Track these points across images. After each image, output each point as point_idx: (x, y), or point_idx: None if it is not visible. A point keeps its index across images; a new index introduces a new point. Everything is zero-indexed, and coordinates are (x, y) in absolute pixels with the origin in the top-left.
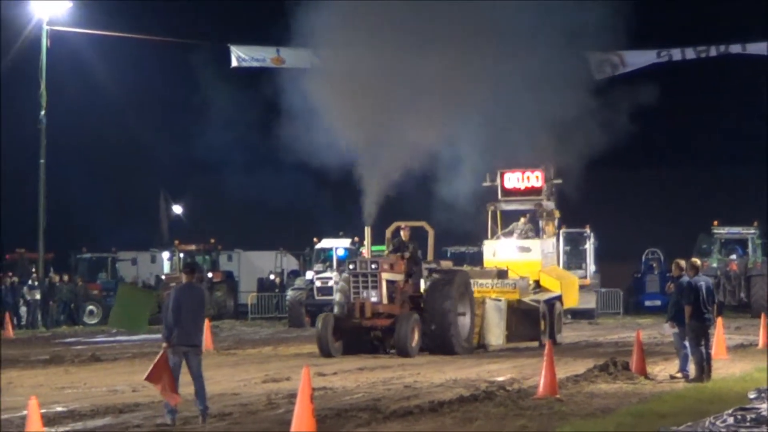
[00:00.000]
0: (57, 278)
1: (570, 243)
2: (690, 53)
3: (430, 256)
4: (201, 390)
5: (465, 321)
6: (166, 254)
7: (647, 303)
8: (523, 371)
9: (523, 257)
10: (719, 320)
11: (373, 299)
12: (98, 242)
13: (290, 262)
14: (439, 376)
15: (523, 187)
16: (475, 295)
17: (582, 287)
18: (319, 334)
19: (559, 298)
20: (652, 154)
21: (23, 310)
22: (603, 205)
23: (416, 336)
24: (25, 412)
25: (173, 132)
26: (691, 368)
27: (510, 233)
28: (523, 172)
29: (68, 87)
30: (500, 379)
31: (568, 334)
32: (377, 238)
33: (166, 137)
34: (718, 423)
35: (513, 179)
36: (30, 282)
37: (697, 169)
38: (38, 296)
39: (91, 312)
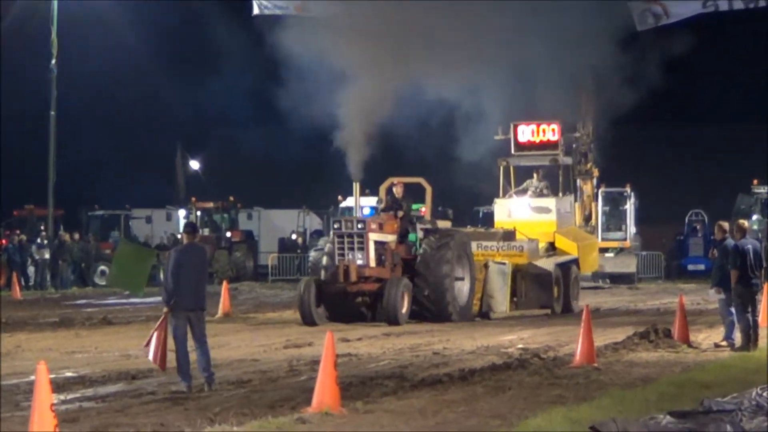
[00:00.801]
0: (67, 236)
1: (609, 203)
2: (738, 3)
3: (426, 215)
4: (204, 356)
5: (463, 286)
6: (182, 212)
7: (690, 267)
8: (559, 338)
9: (537, 217)
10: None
11: (359, 262)
12: (111, 199)
13: (313, 222)
14: (470, 343)
15: (537, 141)
16: (478, 258)
17: (621, 250)
18: (300, 299)
19: (576, 261)
20: (692, 110)
21: (31, 270)
22: (644, 164)
23: (406, 302)
24: (32, 378)
25: (191, 83)
26: (737, 336)
27: (524, 191)
28: (538, 125)
29: (80, 34)
30: (534, 346)
31: (607, 299)
32: (415, 197)
33: (184, 89)
34: (765, 394)
35: (527, 132)
36: (39, 240)
37: (741, 127)
38: (47, 255)
39: (102, 272)
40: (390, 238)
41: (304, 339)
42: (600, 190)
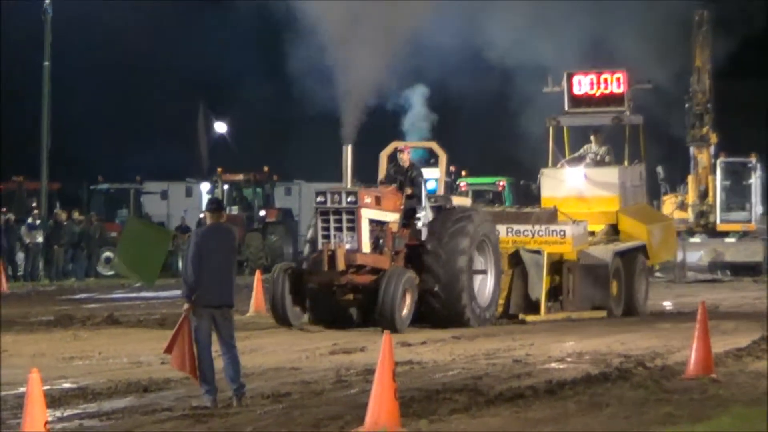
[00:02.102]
0: (64, 216)
1: (730, 176)
2: None
3: (440, 189)
4: (233, 363)
5: (486, 282)
6: (205, 186)
7: None
8: (669, 342)
9: (595, 192)
10: None
11: (349, 246)
12: (118, 170)
13: None
14: (559, 348)
15: (597, 94)
16: (506, 246)
17: (745, 234)
18: (273, 293)
19: (643, 248)
20: None
21: (21, 256)
22: None
23: (408, 301)
24: (23, 389)
25: (215, 29)
26: None
27: (580, 159)
28: (599, 74)
29: None
30: (638, 352)
31: (727, 295)
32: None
33: (207, 36)
34: None
35: (585, 83)
36: (30, 220)
37: None
38: (40, 239)
39: (107, 260)
40: (391, 217)
41: (355, 343)
42: (718, 161)
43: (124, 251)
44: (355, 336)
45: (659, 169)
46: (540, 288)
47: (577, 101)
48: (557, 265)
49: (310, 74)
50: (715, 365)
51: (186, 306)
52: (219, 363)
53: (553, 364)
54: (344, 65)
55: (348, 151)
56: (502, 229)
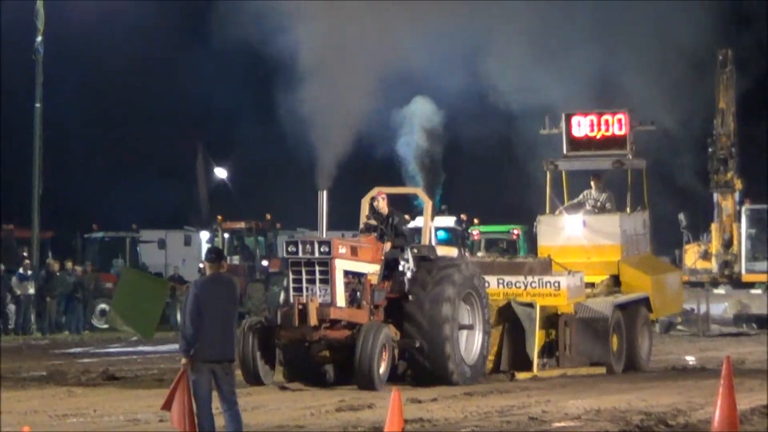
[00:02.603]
0: (57, 266)
1: (756, 224)
2: None
3: (424, 238)
4: (234, 420)
5: (472, 337)
6: (205, 234)
7: None
8: (692, 399)
9: (595, 241)
10: None
11: (322, 299)
12: (113, 217)
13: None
14: (576, 405)
15: (597, 137)
16: (496, 298)
17: None
18: (242, 351)
19: (646, 301)
20: None
21: (12, 308)
22: None
23: (386, 357)
24: None
25: (216, 69)
26: None
27: (579, 205)
28: (599, 115)
29: (72, 5)
30: (660, 409)
31: (754, 349)
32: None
33: (206, 76)
34: None
35: (585, 125)
36: (21, 271)
37: None
38: (31, 290)
39: (102, 312)
40: (369, 268)
41: (362, 400)
42: (743, 208)
43: (120, 303)
44: (362, 392)
45: (681, 217)
46: (532, 343)
47: (577, 144)
48: (553, 319)
49: (302, 119)
50: (740, 423)
51: (184, 361)
52: (219, 420)
53: (570, 422)
54: (317, 106)
55: (323, 198)
56: (492, 280)
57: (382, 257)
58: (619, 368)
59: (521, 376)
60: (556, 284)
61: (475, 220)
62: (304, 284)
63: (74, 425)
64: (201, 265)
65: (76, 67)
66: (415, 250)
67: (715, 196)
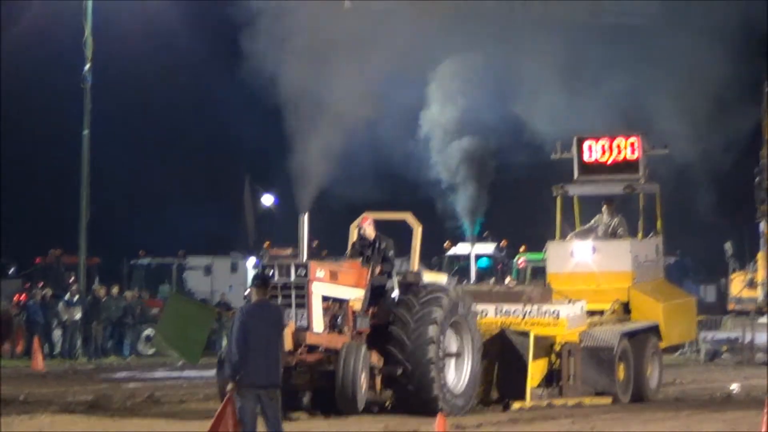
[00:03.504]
0: (103, 291)
1: None
2: None
3: (413, 264)
4: None
5: (461, 365)
6: (251, 260)
7: None
8: (736, 427)
9: (605, 267)
10: None
11: (298, 324)
12: (160, 244)
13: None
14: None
15: (608, 161)
16: (490, 328)
17: None
18: (218, 379)
19: (656, 329)
20: None
21: (58, 333)
22: None
23: (365, 380)
24: None
25: (265, 98)
26: None
27: (590, 231)
28: (611, 140)
29: (122, 31)
30: None
31: None
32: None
33: (254, 104)
34: None
35: (596, 149)
36: (67, 296)
37: None
38: (78, 316)
39: (148, 338)
40: (352, 293)
41: (406, 425)
42: None
43: (166, 329)
44: (406, 418)
45: (727, 246)
46: (525, 372)
47: (588, 169)
48: (555, 348)
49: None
50: None
51: (230, 386)
52: None
53: None
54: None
55: (304, 221)
56: (490, 309)
57: (367, 283)
58: (625, 399)
59: (516, 405)
60: (555, 313)
61: (522, 248)
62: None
63: None
64: (247, 291)
65: (123, 95)
66: (401, 276)
67: (762, 226)
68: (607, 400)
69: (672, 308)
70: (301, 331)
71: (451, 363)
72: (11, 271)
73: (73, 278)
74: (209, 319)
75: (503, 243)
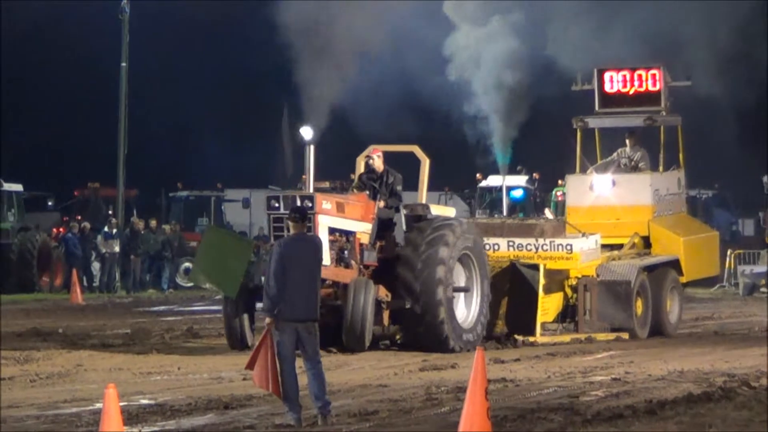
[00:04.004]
0: (141, 224)
1: None
2: None
3: (421, 196)
4: (317, 379)
5: (470, 299)
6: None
7: None
8: None
9: (625, 201)
10: None
11: None
12: (198, 176)
13: (459, 207)
14: (659, 367)
15: (630, 92)
16: (501, 262)
17: None
18: (226, 315)
19: (676, 263)
20: None
21: (96, 266)
22: None
23: (371, 316)
24: (99, 405)
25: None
26: None
27: (611, 164)
28: (633, 71)
29: None
30: (743, 371)
31: None
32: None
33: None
34: None
35: (617, 80)
36: (105, 229)
37: None
38: (116, 248)
39: (186, 270)
40: (359, 227)
41: (446, 360)
42: None
43: (204, 261)
44: (445, 353)
45: (766, 180)
46: (535, 307)
47: (609, 100)
48: (570, 282)
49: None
50: None
51: (268, 320)
52: (303, 379)
53: (654, 383)
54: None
55: (310, 152)
56: (502, 242)
57: (374, 216)
58: (643, 334)
59: (523, 339)
60: (569, 247)
61: (560, 181)
62: None
63: (158, 383)
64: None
65: (161, 26)
66: (409, 209)
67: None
68: (622, 336)
69: (693, 243)
70: None
71: (460, 297)
72: (50, 204)
73: (111, 211)
74: (247, 252)
75: (536, 175)
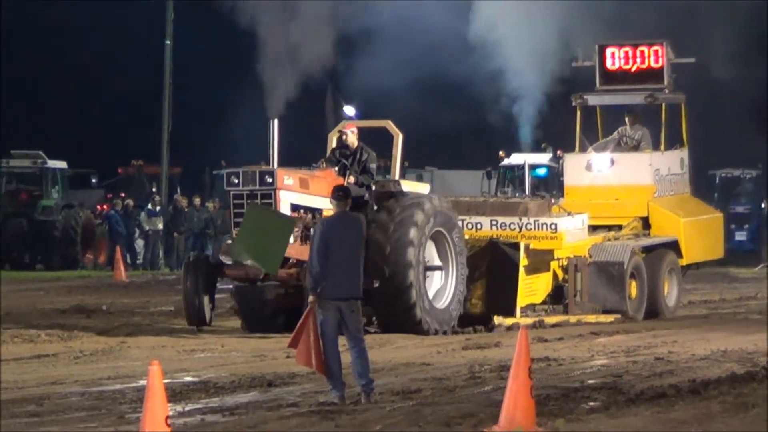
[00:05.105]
0: (185, 202)
1: None
2: None
3: (393, 173)
4: (361, 358)
5: (445, 281)
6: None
7: None
8: None
9: (624, 180)
10: None
11: None
12: (242, 153)
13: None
14: (703, 346)
15: (633, 69)
16: (478, 238)
17: None
18: (184, 290)
19: (675, 244)
20: None
21: (140, 243)
22: None
23: None
24: (143, 382)
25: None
26: None
27: (611, 143)
28: (635, 47)
29: None
30: None
31: None
32: None
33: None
34: None
35: (619, 56)
36: (149, 206)
37: None
38: (160, 226)
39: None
40: (325, 203)
41: (489, 338)
42: None
43: (245, 238)
44: (498, 329)
45: None
46: (515, 287)
47: (611, 77)
48: (561, 263)
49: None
50: None
51: (311, 298)
52: (346, 357)
53: (697, 363)
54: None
55: (274, 126)
56: (485, 221)
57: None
58: (638, 317)
59: (507, 322)
60: (553, 226)
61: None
62: None
63: (202, 360)
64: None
65: (205, 4)
66: (379, 185)
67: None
68: (608, 318)
69: (694, 224)
70: None
71: (434, 277)
72: (94, 181)
73: (155, 189)
74: (289, 230)
75: (560, 153)
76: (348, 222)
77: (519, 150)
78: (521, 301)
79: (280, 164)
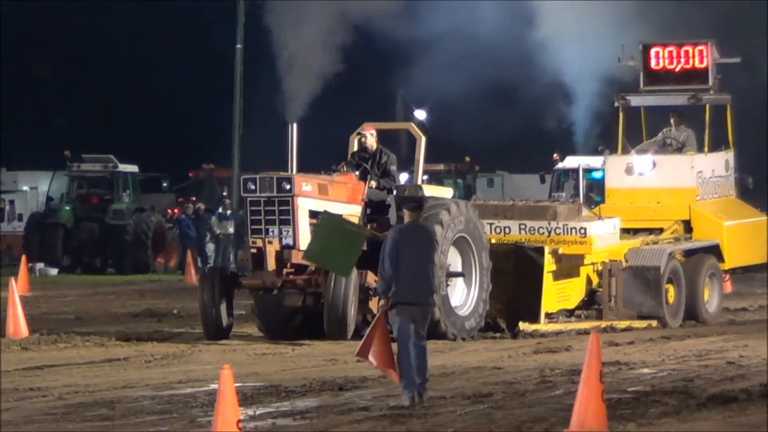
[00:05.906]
0: None
1: None
2: None
3: (416, 177)
4: (419, 356)
5: (469, 286)
6: (404, 176)
7: None
8: None
9: (666, 183)
10: None
11: (285, 242)
12: (312, 158)
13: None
14: None
15: (677, 69)
16: (500, 240)
17: None
18: (202, 303)
19: (716, 249)
20: None
21: (210, 247)
22: None
23: (354, 304)
24: (213, 386)
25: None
26: None
27: (654, 145)
28: (679, 47)
29: None
30: None
31: None
32: None
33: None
34: None
35: (663, 56)
36: (220, 210)
37: None
38: (231, 230)
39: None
40: (345, 209)
41: (560, 342)
42: None
43: (316, 249)
44: (560, 336)
45: None
46: (538, 293)
47: (655, 77)
48: (596, 268)
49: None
50: None
51: (381, 303)
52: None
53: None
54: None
55: (293, 131)
56: (513, 225)
57: (363, 198)
58: (675, 323)
59: (532, 327)
60: (582, 231)
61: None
62: (263, 225)
63: (273, 363)
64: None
65: (276, 8)
66: (401, 190)
67: None
68: (641, 324)
69: (737, 228)
70: (286, 250)
71: (457, 283)
72: (165, 185)
73: (225, 192)
74: (361, 242)
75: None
76: (419, 232)
77: (576, 153)
78: (552, 307)
79: (303, 170)
